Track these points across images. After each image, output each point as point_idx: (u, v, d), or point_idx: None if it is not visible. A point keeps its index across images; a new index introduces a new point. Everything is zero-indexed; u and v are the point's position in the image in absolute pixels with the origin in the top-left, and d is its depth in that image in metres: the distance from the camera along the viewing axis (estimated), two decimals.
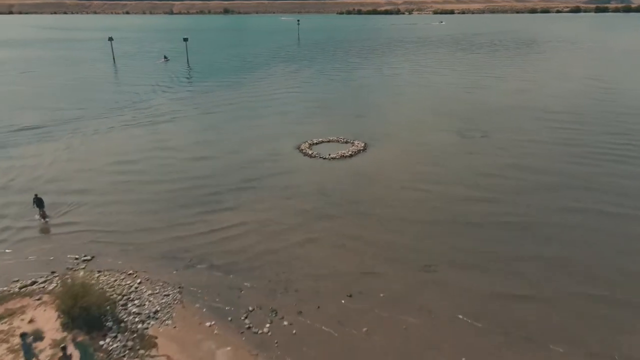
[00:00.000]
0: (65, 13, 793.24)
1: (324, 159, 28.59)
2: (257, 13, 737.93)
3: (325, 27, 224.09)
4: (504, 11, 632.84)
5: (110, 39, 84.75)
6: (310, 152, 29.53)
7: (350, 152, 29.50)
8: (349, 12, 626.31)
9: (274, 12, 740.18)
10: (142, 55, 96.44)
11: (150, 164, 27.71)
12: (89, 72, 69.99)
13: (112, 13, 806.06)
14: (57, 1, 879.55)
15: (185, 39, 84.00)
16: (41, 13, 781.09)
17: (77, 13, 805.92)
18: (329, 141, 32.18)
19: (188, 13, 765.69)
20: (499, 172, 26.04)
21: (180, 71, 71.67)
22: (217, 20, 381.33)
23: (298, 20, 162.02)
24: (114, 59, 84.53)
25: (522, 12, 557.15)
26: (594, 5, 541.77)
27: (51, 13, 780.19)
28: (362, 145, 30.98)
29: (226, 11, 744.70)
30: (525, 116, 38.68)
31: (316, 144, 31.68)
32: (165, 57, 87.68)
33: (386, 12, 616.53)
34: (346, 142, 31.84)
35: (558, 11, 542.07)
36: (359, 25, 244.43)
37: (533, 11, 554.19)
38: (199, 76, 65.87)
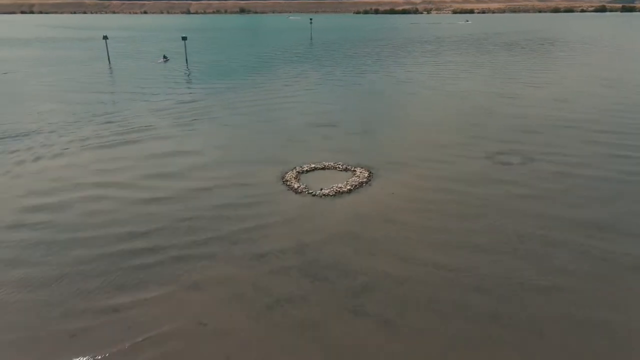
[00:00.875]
0: (84, 13, 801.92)
1: (314, 195, 21.60)
2: (273, 12, 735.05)
3: (340, 27, 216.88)
4: (526, 10, 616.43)
5: (105, 37, 79.05)
6: (297, 186, 22.57)
7: (348, 186, 22.42)
8: (366, 12, 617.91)
9: (290, 12, 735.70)
10: (142, 55, 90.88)
11: (74, 210, 19.92)
12: (75, 74, 64.21)
13: (130, 13, 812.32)
14: (76, 1, 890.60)
15: (184, 38, 77.87)
16: (61, 13, 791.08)
17: (96, 13, 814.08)
18: (323, 168, 25.19)
19: (205, 13, 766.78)
20: (561, 235, 17.55)
21: (175, 73, 65.44)
22: (231, 20, 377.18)
23: (311, 19, 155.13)
24: (109, 59, 78.93)
25: (545, 12, 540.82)
26: (619, 5, 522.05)
27: (71, 13, 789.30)
28: (366, 175, 23.89)
29: (242, 10, 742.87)
30: (571, 136, 31.03)
31: (307, 171, 24.74)
32: (164, 57, 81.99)
33: (404, 12, 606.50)
34: (346, 170, 24.83)
35: (582, 10, 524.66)
36: (376, 25, 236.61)
37: (556, 10, 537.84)
38: (192, 80, 59.52)
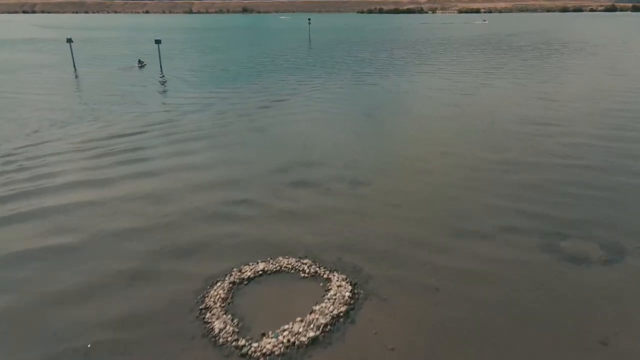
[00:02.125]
0: (86, 12, 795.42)
1: (245, 356, 11.52)
2: (276, 12, 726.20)
3: (342, 27, 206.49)
4: (533, 10, 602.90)
5: (69, 40, 69.27)
6: (220, 326, 12.44)
7: (313, 330, 12.26)
8: (369, 11, 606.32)
9: (293, 11, 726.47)
10: (117, 59, 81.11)
11: None
12: (21, 83, 54.40)
13: (132, 12, 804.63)
14: (79, 0, 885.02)
15: (158, 42, 67.89)
16: (62, 12, 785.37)
17: (98, 12, 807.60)
18: (278, 270, 15.13)
19: (207, 12, 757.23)
20: None
21: (144, 82, 55.66)
22: (231, 19, 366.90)
23: (309, 19, 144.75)
24: (74, 64, 69.19)
25: (554, 11, 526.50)
26: (630, 4, 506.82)
27: (72, 12, 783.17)
28: (346, 293, 13.74)
29: (245, 10, 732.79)
30: None
31: (251, 279, 14.67)
32: (140, 62, 72.44)
33: (409, 11, 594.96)
34: (314, 275, 14.77)
35: (592, 10, 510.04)
36: (380, 25, 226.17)
37: (565, 10, 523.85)
38: (160, 91, 49.54)
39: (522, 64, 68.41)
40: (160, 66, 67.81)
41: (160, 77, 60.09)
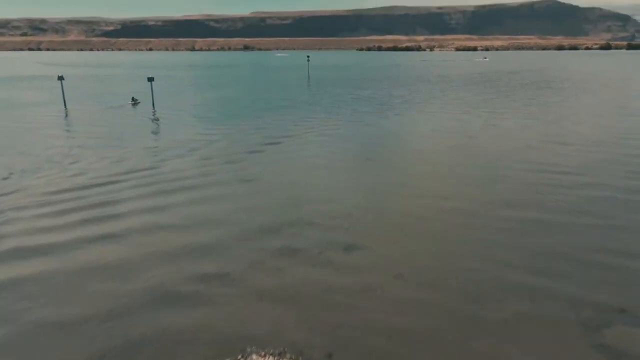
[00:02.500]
0: (91, 50, 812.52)
1: None
2: (277, 49, 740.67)
3: (341, 64, 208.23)
4: (529, 48, 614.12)
5: (61, 78, 67.50)
6: None
7: None
8: (369, 49, 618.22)
9: (294, 49, 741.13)
10: (111, 97, 79.44)
11: None
12: (6, 123, 52.01)
13: (136, 49, 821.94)
14: (84, 39, 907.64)
15: (151, 79, 66.19)
16: (68, 49, 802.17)
17: (103, 49, 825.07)
18: None
19: (209, 49, 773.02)
20: None
21: (134, 122, 53.60)
22: (230, 56, 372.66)
23: (308, 57, 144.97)
24: (64, 102, 67.17)
25: (549, 49, 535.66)
26: (625, 43, 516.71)
27: (78, 50, 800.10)
28: None
29: (246, 47, 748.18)
30: None
31: None
32: (133, 100, 70.68)
33: (407, 49, 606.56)
34: None
35: (587, 48, 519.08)
36: (379, 62, 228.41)
37: (560, 48, 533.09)
38: (148, 131, 47.06)
39: (527, 103, 66.40)
40: (153, 104, 65.90)
41: (152, 116, 57.92)
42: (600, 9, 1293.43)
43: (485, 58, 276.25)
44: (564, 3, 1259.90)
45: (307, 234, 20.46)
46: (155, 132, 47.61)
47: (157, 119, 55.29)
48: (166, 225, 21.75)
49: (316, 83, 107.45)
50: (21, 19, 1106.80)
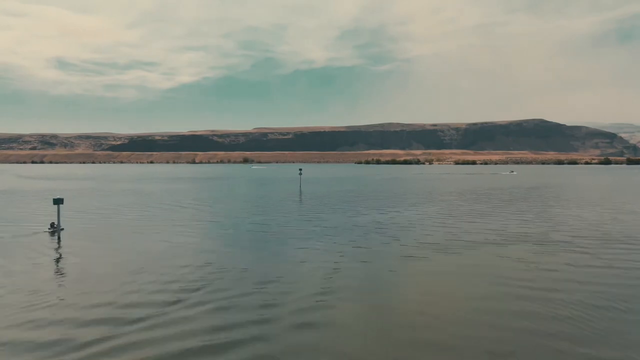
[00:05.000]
0: (93, 162, 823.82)
1: None
2: (277, 162, 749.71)
3: (339, 177, 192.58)
4: (527, 162, 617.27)
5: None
6: None
7: None
8: (367, 162, 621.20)
9: (293, 162, 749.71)
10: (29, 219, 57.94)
11: None
12: None
13: (137, 162, 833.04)
14: (87, 152, 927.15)
15: (58, 201, 45.40)
16: (70, 162, 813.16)
17: (105, 162, 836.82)
18: None
19: (209, 162, 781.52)
20: None
21: (37, 264, 30.84)
22: (229, 169, 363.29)
23: (300, 170, 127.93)
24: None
25: (549, 164, 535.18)
26: (624, 158, 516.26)
27: (80, 163, 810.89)
28: None
29: (246, 160, 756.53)
30: None
31: None
32: (52, 226, 49.62)
33: (405, 162, 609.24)
34: None
35: (587, 163, 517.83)
36: (378, 175, 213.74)
37: (560, 162, 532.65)
38: (47, 280, 24.25)
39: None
40: (59, 238, 44.27)
41: (55, 252, 35.67)
42: (586, 127, 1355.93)
43: (513, 172, 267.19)
44: (550, 122, 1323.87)
45: None
46: (62, 285, 24.75)
47: (63, 267, 32.95)
48: None
49: (308, 200, 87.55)
50: (33, 134, 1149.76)
